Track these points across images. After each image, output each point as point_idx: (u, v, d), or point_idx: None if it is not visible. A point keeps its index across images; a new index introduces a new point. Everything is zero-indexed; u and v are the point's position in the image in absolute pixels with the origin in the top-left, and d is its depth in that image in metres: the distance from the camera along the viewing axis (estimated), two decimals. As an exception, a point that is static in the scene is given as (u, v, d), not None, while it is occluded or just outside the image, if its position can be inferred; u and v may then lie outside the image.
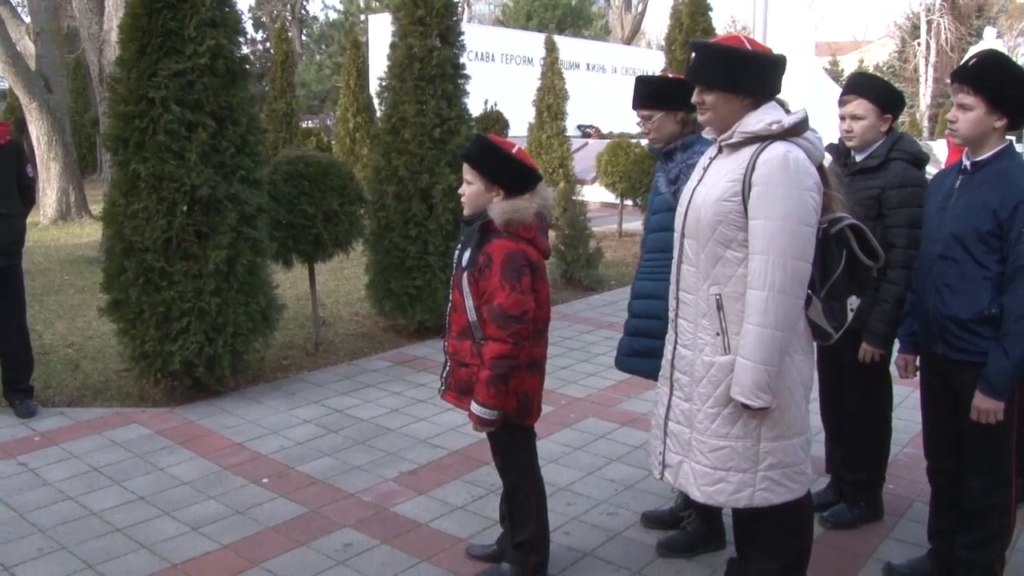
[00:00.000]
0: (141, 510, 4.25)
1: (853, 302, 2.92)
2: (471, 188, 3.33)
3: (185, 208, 5.55)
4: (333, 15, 43.07)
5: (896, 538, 3.93)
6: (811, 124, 2.85)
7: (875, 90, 3.80)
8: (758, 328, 2.71)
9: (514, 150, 3.30)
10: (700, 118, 2.98)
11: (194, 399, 5.83)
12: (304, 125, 21.54)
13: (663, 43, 13.92)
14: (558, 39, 16.74)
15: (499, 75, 24.28)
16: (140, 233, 5.52)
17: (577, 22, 40.46)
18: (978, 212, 3.11)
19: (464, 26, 7.76)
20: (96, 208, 14.80)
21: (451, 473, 4.70)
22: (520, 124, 16.48)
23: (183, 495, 4.42)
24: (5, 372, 5.65)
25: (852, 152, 3.85)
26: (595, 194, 15.81)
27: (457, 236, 7.19)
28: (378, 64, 12.58)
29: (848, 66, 47.57)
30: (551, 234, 4.22)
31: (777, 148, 2.75)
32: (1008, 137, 3.20)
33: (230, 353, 5.74)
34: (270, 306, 6.10)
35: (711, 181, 2.90)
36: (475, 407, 3.24)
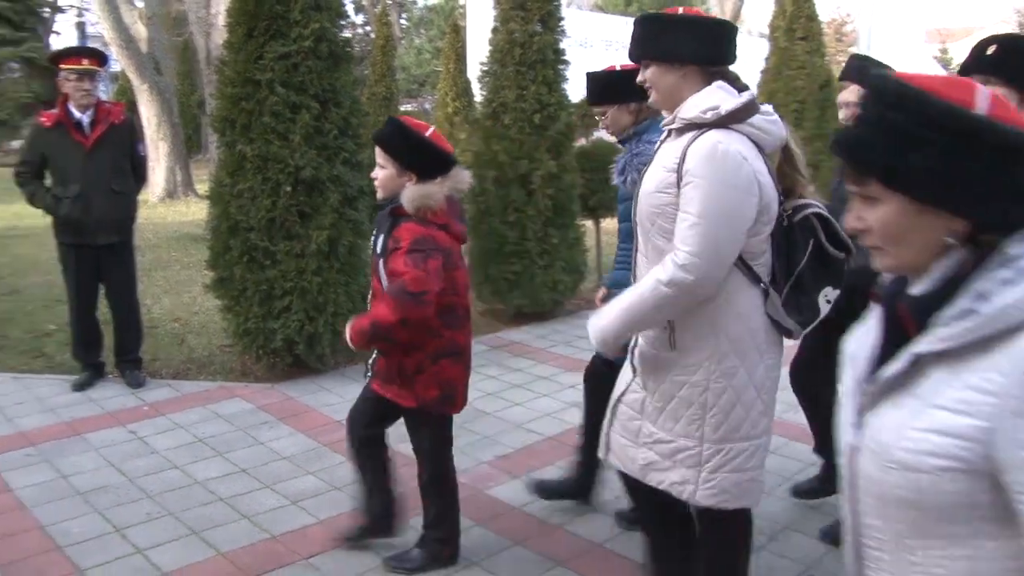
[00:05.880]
0: (243, 481, 4.36)
1: (829, 293, 2.65)
2: (384, 172, 3.23)
3: (289, 189, 5.66)
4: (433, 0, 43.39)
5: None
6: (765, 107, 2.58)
7: (865, 75, 3.60)
8: (644, 292, 2.50)
9: (428, 133, 3.20)
10: (649, 99, 2.73)
11: (294, 376, 5.95)
12: (403, 109, 21.76)
13: (766, 30, 13.58)
14: (658, 25, 16.47)
15: (598, 61, 24.09)
16: (245, 212, 5.66)
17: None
18: None
19: (564, 11, 7.71)
20: (201, 187, 15.24)
21: (544, 459, 4.68)
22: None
23: (283, 469, 4.52)
24: (117, 343, 5.85)
25: None
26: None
27: (556, 223, 7.22)
28: (477, 49, 12.58)
29: (959, 54, 45.71)
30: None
31: (708, 139, 2.45)
32: None
33: (330, 332, 5.83)
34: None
35: (652, 168, 2.66)
36: (348, 329, 3.18)
